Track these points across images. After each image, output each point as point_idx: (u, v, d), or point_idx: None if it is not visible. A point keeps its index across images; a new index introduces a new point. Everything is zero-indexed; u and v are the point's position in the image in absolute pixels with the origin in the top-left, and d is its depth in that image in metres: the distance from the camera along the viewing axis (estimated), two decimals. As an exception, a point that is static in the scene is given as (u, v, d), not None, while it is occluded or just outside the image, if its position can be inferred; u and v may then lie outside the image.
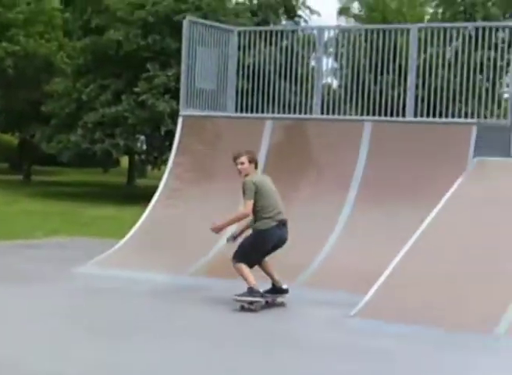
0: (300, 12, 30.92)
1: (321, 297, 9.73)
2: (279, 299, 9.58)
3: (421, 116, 12.63)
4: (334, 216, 11.14)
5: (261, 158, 11.94)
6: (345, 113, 13.64)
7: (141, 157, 31.19)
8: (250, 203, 9.16)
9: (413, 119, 12.11)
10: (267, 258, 9.44)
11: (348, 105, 13.69)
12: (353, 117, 13.03)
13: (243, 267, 9.19)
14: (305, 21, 30.76)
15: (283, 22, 30.64)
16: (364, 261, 10.15)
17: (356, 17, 35.42)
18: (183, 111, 13.06)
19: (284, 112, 13.91)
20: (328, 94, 14.30)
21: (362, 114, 13.60)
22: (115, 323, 8.38)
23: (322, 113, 13.12)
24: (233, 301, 9.20)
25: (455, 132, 11.20)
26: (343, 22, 35.69)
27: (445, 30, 12.76)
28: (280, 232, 9.32)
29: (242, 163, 9.50)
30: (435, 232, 9.68)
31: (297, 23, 30.23)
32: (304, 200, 11.48)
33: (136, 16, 25.66)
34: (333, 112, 13.38)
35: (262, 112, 13.66)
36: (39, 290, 10.00)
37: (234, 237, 9.69)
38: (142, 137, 29.52)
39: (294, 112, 13.76)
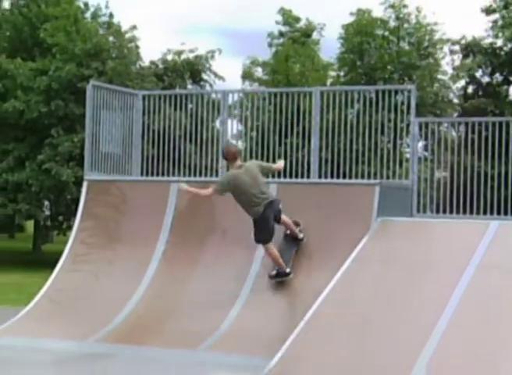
0: (205, 77, 31.18)
1: (228, 361, 9.64)
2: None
3: (326, 177, 12.79)
4: (241, 277, 11.09)
5: (167, 221, 11.89)
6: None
7: (46, 222, 30.66)
8: (213, 191, 10.60)
9: (317, 180, 12.26)
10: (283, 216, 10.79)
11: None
12: (259, 179, 13.09)
13: (270, 249, 10.64)
14: (210, 85, 31.01)
15: (189, 86, 30.82)
16: (273, 324, 10.12)
17: (260, 81, 35.87)
18: (88, 175, 12.91)
19: (190, 176, 13.90)
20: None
21: (267, 176, 13.68)
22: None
23: (228, 176, 13.13)
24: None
25: (359, 192, 11.33)
26: (248, 86, 36.09)
27: (346, 93, 13.02)
28: (271, 208, 10.62)
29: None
30: (341, 292, 9.74)
31: (203, 87, 30.45)
32: (211, 261, 11.41)
33: (39, 82, 25.42)
34: (239, 175, 13.41)
35: (168, 175, 13.63)
36: None
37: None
38: (47, 202, 29.06)
39: (200, 175, 13.77)
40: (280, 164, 11.21)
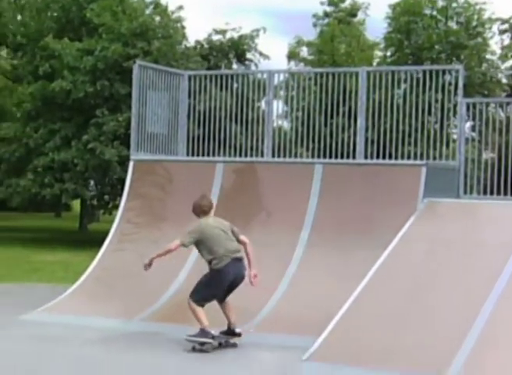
0: (250, 56, 31.07)
1: (272, 341, 9.68)
2: (232, 341, 9.59)
3: (371, 157, 12.72)
4: (286, 258, 11.10)
5: (213, 201, 11.91)
6: (296, 156, 13.69)
7: (92, 202, 30.89)
8: (181, 243, 9.55)
9: (363, 161, 12.20)
10: (228, 299, 9.55)
11: (299, 147, 13.76)
12: (304, 160, 13.09)
13: (196, 307, 9.28)
14: (255, 65, 30.89)
15: (234, 66, 30.74)
16: (317, 304, 10.11)
17: (305, 61, 35.72)
18: (134, 155, 12.99)
19: (235, 156, 13.92)
20: (279, 137, 14.35)
21: (313, 156, 13.67)
22: (64, 373, 8.20)
23: (273, 156, 13.15)
24: (185, 341, 9.26)
25: (405, 173, 11.26)
26: (293, 66, 35.96)
27: (393, 73, 12.93)
28: (235, 268, 9.39)
29: None
30: (388, 273, 9.69)
31: (248, 67, 30.35)
32: (256, 242, 11.40)
33: (85, 62, 25.55)
34: (284, 155, 13.43)
35: (213, 155, 13.67)
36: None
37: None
38: (92, 182, 29.24)
39: (245, 156, 13.77)
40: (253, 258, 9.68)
